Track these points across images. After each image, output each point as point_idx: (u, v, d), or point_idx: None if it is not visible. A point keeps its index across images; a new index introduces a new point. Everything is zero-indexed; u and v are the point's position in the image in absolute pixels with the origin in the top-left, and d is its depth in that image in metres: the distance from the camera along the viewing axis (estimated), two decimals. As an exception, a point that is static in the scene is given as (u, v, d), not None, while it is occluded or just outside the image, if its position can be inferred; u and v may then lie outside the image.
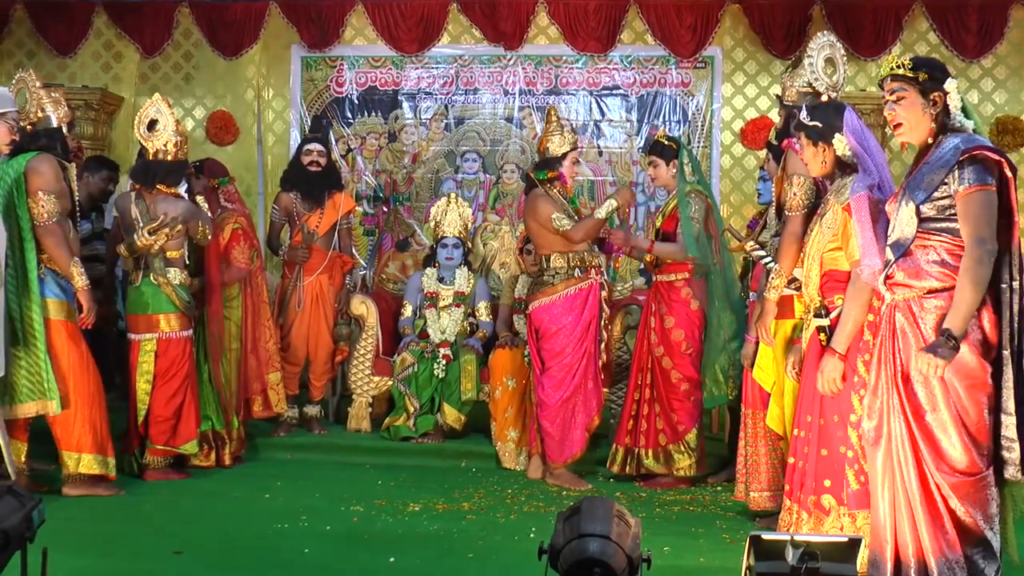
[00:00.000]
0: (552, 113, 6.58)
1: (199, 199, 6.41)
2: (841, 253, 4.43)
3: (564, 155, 6.37)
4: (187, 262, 6.24)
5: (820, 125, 4.48)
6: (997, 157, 3.58)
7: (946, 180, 3.61)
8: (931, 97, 3.71)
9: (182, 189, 6.28)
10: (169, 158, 6.11)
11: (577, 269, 6.28)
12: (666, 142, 6.31)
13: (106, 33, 8.98)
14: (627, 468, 6.31)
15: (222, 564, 4.64)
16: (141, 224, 6.05)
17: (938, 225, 3.66)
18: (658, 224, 6.43)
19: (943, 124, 3.72)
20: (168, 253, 6.10)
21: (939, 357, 3.57)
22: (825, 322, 4.43)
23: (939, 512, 3.66)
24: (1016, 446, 3.61)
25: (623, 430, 6.33)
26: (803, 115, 4.58)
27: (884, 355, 3.80)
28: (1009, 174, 3.59)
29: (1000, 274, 3.63)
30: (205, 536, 5.05)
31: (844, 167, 4.45)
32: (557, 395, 6.24)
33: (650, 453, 6.24)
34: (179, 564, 4.61)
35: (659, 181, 6.37)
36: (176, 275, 6.13)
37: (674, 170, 6.23)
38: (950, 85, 3.70)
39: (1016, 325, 3.60)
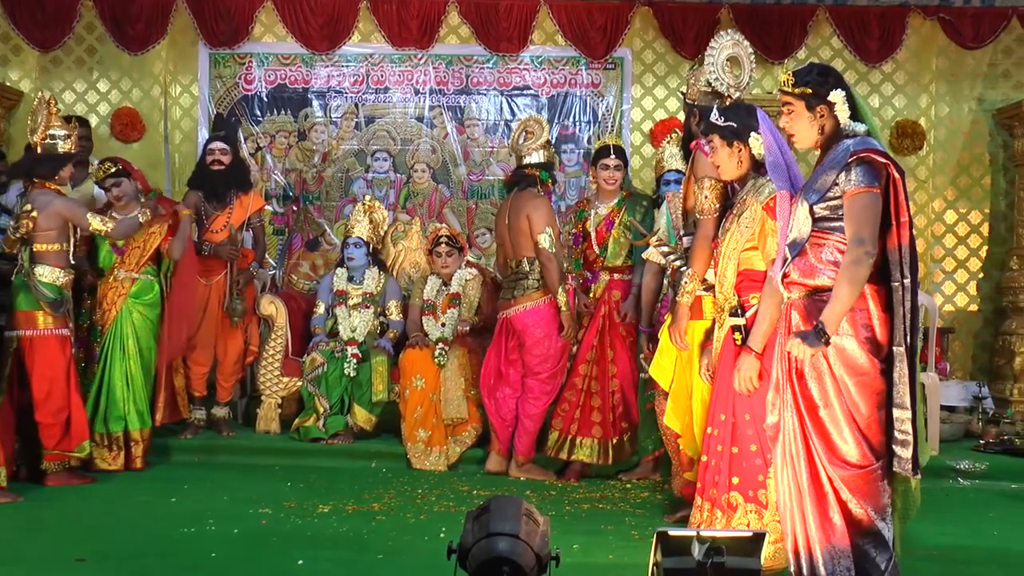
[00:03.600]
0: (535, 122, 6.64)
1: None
2: (756, 253, 4.46)
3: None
4: (71, 260, 6.10)
5: (735, 125, 4.48)
6: (884, 160, 3.67)
7: (836, 180, 3.71)
8: (816, 110, 3.81)
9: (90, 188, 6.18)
10: (59, 151, 6.02)
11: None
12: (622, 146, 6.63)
13: (2, 25, 8.73)
14: (566, 454, 6.49)
15: (127, 570, 4.54)
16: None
17: (831, 224, 3.75)
18: (590, 228, 6.51)
19: (835, 131, 3.82)
20: (36, 246, 5.96)
21: (806, 343, 3.68)
22: (741, 321, 4.43)
23: (827, 504, 3.74)
24: (911, 440, 3.68)
25: (570, 417, 6.48)
26: (715, 116, 4.57)
27: (782, 352, 3.88)
28: (896, 175, 3.68)
29: (892, 273, 3.72)
30: (109, 542, 4.93)
31: (759, 167, 4.46)
32: (544, 400, 6.44)
33: (615, 441, 6.46)
34: (82, 571, 4.50)
35: (616, 185, 6.48)
36: (46, 272, 5.97)
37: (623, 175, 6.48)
38: (834, 96, 3.78)
39: (908, 322, 3.68)
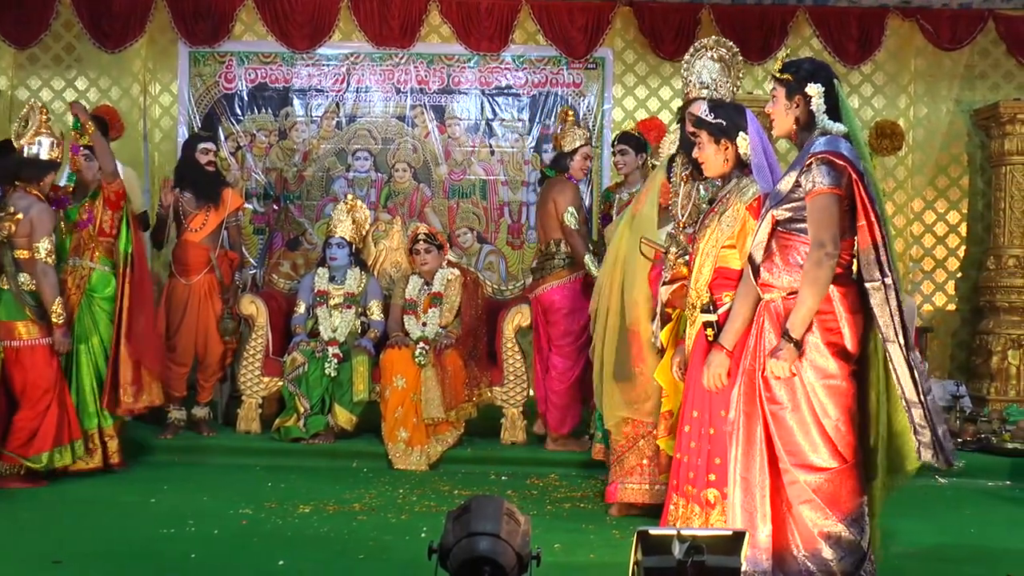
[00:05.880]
0: (567, 113, 7.24)
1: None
2: (733, 252, 4.47)
3: (575, 151, 6.89)
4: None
5: (724, 122, 4.48)
6: (843, 163, 3.68)
7: (799, 181, 3.73)
8: (794, 99, 3.86)
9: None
10: (45, 158, 6.00)
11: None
12: (636, 135, 7.07)
13: (-21, 22, 8.66)
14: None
15: (104, 571, 4.52)
16: None
17: (797, 226, 3.77)
18: (613, 213, 6.89)
19: (808, 125, 3.84)
20: (18, 253, 5.93)
21: (780, 360, 3.72)
22: (713, 318, 4.41)
23: (781, 509, 3.76)
24: (927, 431, 3.67)
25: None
26: (704, 112, 4.59)
27: (748, 352, 3.90)
28: (856, 176, 3.69)
29: (868, 273, 3.72)
30: (87, 543, 4.91)
31: (743, 167, 4.47)
32: (568, 376, 6.84)
33: None
34: (59, 572, 4.48)
35: (626, 169, 6.96)
36: (27, 280, 5.93)
37: (639, 162, 6.84)
38: (811, 89, 3.82)
39: (899, 320, 3.67)
